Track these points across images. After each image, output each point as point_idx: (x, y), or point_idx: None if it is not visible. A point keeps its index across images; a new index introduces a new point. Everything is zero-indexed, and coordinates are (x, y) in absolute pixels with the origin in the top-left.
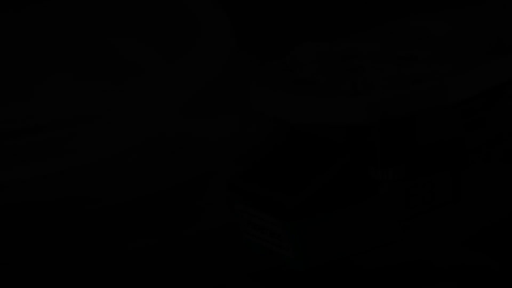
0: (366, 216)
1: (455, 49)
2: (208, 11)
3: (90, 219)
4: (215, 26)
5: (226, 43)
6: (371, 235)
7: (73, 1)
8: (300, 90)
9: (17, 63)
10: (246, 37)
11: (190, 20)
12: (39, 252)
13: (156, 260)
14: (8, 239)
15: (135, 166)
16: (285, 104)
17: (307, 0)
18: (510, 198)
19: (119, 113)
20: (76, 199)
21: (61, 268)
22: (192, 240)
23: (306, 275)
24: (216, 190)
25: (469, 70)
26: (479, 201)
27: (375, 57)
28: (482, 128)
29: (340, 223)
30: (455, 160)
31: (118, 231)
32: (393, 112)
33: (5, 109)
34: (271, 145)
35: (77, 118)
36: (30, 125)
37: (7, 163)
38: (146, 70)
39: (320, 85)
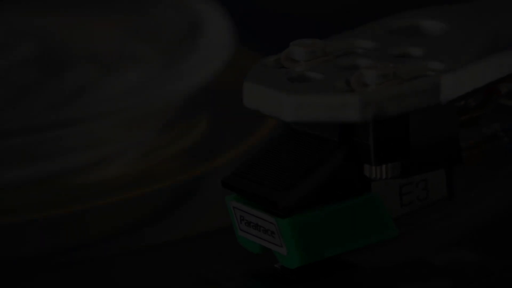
0: (361, 214)
1: (449, 46)
2: (208, 10)
3: (87, 217)
4: (215, 25)
5: (227, 42)
6: (366, 232)
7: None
8: (294, 88)
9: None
10: (246, 36)
11: (191, 19)
12: (38, 251)
13: (154, 260)
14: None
15: (133, 166)
16: (279, 101)
17: None
18: (506, 197)
19: (119, 112)
20: (74, 197)
21: (60, 267)
22: (190, 239)
23: (302, 274)
24: (214, 190)
25: (463, 67)
26: (474, 199)
27: (369, 55)
28: (477, 125)
29: (334, 220)
30: (449, 158)
31: (116, 230)
32: (387, 110)
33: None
34: (265, 142)
35: (79, 118)
36: (30, 125)
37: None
38: (146, 69)
39: (314, 82)
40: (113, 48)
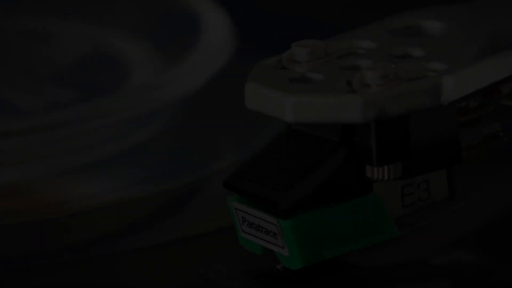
0: (362, 214)
1: (450, 47)
2: (208, 10)
3: (89, 218)
4: (215, 25)
5: (227, 42)
6: (367, 233)
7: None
8: (295, 88)
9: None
10: (246, 36)
11: (191, 19)
12: (39, 251)
13: (155, 260)
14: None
15: (134, 166)
16: (280, 102)
17: None
18: (506, 197)
19: (118, 113)
20: (75, 197)
21: (61, 267)
22: (191, 239)
23: (302, 274)
24: (216, 190)
25: (464, 68)
26: (475, 200)
27: (370, 56)
28: (477, 126)
29: (335, 221)
30: (450, 159)
31: (118, 231)
32: (389, 111)
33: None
34: (267, 142)
35: (78, 118)
36: (29, 125)
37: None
38: (147, 69)
39: (315, 83)
40: (111, 47)
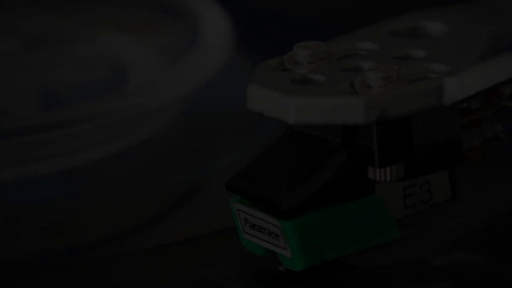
0: (364, 215)
1: (452, 48)
2: (208, 10)
3: (89, 218)
4: (215, 25)
5: (226, 42)
6: (369, 234)
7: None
8: (297, 90)
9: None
10: (246, 36)
11: (190, 19)
12: (39, 251)
13: (156, 260)
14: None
15: (134, 166)
16: (282, 104)
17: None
18: (508, 198)
19: (118, 113)
20: (73, 198)
21: (62, 268)
22: (193, 240)
23: (302, 274)
24: (217, 191)
25: (466, 69)
26: (475, 200)
27: (372, 57)
28: (479, 127)
29: (337, 222)
30: (452, 160)
31: (118, 231)
32: (391, 112)
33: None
34: (268, 144)
35: (78, 118)
36: (30, 125)
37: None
38: (147, 69)
39: (317, 84)
40: (111, 47)
